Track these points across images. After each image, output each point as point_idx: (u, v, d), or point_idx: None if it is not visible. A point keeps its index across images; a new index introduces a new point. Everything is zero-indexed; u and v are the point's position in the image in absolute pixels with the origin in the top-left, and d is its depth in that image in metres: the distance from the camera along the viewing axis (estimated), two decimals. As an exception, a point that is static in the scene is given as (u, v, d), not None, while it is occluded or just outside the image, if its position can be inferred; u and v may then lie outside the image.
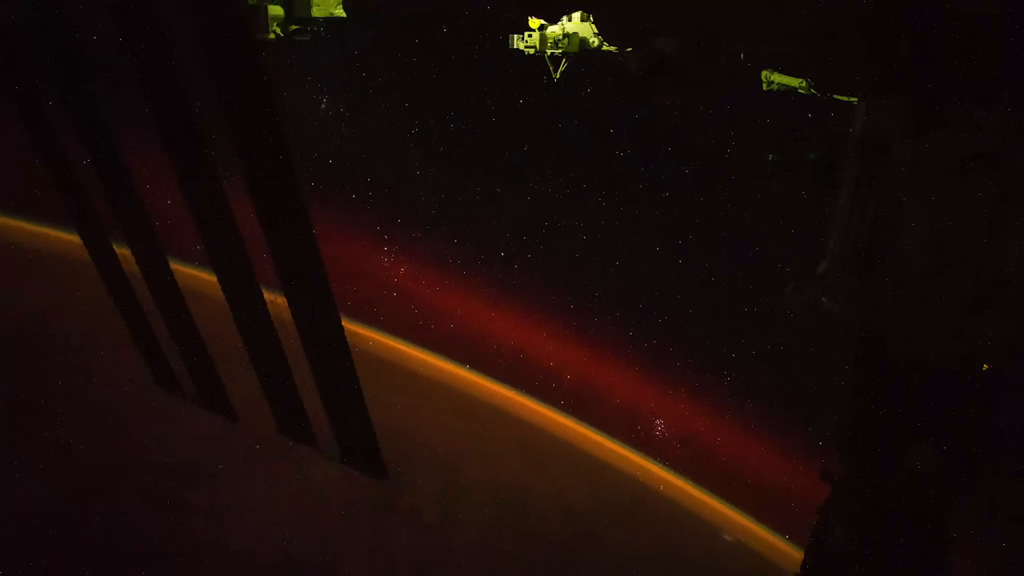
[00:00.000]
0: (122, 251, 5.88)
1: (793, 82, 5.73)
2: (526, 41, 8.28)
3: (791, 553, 23.21)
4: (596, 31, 7.77)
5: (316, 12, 6.27)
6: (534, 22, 8.14)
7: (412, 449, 21.99)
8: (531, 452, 25.55)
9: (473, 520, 21.20)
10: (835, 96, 5.04)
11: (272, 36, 6.04)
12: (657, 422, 24.50)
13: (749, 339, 20.77)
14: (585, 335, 24.47)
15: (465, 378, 27.07)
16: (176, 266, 5.78)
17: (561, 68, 8.21)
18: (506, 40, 8.45)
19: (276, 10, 6.07)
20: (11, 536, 16.82)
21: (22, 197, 23.42)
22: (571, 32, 7.95)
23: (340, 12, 6.39)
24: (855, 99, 4.19)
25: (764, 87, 5.84)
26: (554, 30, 8.00)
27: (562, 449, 26.26)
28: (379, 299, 25.22)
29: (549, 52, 8.10)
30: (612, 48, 7.40)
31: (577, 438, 26.68)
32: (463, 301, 25.23)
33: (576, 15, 7.91)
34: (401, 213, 23.19)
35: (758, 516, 24.63)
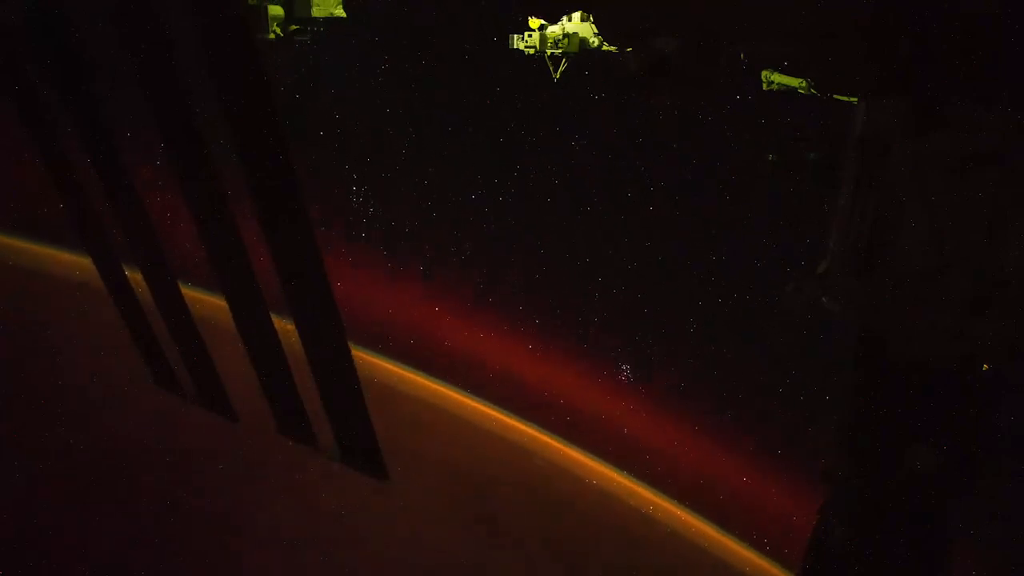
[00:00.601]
0: (122, 251, 5.89)
1: (793, 82, 5.73)
2: (526, 41, 8.28)
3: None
4: (596, 31, 7.78)
5: (316, 12, 6.28)
6: (534, 22, 8.15)
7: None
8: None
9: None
10: (835, 96, 5.04)
11: (272, 36, 6.05)
12: (623, 367, 23.97)
13: (748, 340, 20.78)
14: (582, 338, 24.34)
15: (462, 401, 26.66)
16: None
17: (561, 68, 8.22)
18: (506, 40, 8.46)
19: (276, 10, 6.07)
20: (11, 536, 16.83)
21: (20, 215, 23.31)
22: (571, 32, 7.95)
23: (340, 12, 6.40)
24: (855, 99, 4.20)
25: (764, 87, 5.84)
26: (554, 30, 8.00)
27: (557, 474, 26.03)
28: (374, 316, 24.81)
29: (549, 52, 8.11)
30: (612, 48, 7.39)
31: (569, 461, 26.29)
32: (453, 313, 24.91)
33: (576, 15, 7.91)
34: (395, 216, 23.10)
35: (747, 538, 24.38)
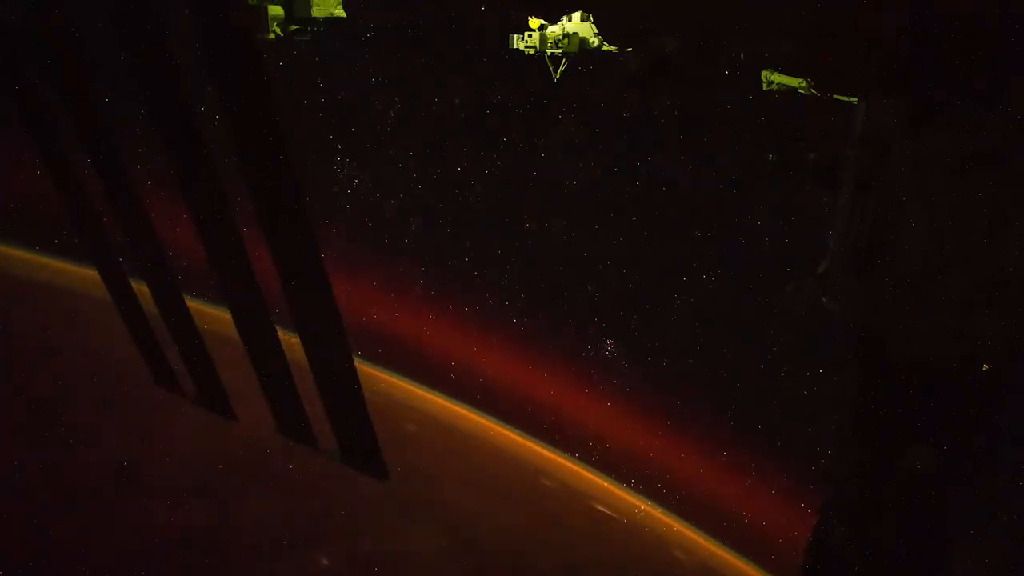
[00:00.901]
0: (121, 251, 5.89)
1: (793, 82, 5.73)
2: (526, 41, 8.29)
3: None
4: (596, 31, 7.78)
5: (316, 12, 6.28)
6: (534, 22, 8.15)
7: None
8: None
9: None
10: (835, 96, 5.04)
11: (272, 36, 6.05)
12: (608, 342, 23.69)
13: (748, 341, 20.78)
14: (579, 340, 24.21)
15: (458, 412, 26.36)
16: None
17: (561, 68, 8.22)
18: (506, 40, 8.46)
19: (276, 10, 6.07)
20: (11, 536, 16.84)
21: (19, 222, 23.23)
22: (571, 32, 7.96)
23: (340, 12, 6.40)
24: (855, 99, 4.20)
25: (764, 87, 5.84)
26: (554, 30, 8.01)
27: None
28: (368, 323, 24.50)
29: (549, 52, 8.11)
30: (612, 48, 7.40)
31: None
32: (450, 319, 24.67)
33: (576, 15, 7.91)
34: (395, 218, 22.98)
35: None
